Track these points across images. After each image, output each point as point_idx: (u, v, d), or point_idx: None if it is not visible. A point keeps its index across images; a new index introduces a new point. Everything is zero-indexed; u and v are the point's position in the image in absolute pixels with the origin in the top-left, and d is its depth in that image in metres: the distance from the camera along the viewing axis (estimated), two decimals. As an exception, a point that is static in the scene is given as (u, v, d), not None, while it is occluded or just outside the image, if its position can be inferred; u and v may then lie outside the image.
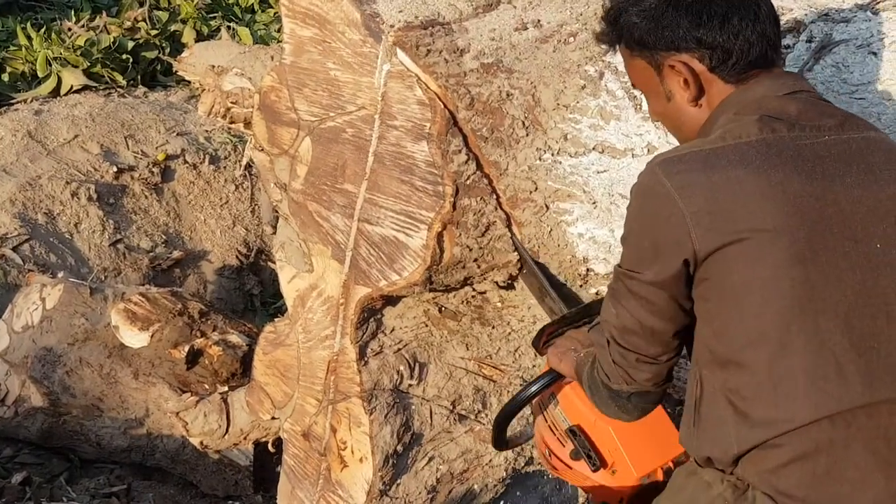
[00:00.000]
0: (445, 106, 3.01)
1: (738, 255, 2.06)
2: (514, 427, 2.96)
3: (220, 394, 3.98)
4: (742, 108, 2.21)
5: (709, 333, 2.14)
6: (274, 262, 4.00)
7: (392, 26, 3.13)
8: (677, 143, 2.43)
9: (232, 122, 3.85)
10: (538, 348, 2.82)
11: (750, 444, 2.08)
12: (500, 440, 2.94)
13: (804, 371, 2.04)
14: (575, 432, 2.67)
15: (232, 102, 3.74)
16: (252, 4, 7.91)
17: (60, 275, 4.93)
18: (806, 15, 2.90)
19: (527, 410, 2.93)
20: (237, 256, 5.89)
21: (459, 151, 2.98)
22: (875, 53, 2.72)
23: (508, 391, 3.42)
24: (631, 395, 2.32)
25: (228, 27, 7.34)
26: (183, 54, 4.04)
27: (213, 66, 3.79)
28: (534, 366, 3.40)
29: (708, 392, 2.15)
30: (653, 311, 2.18)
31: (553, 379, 2.72)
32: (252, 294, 5.83)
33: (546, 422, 2.81)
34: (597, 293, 3.06)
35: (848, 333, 2.05)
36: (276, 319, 3.73)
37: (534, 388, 2.75)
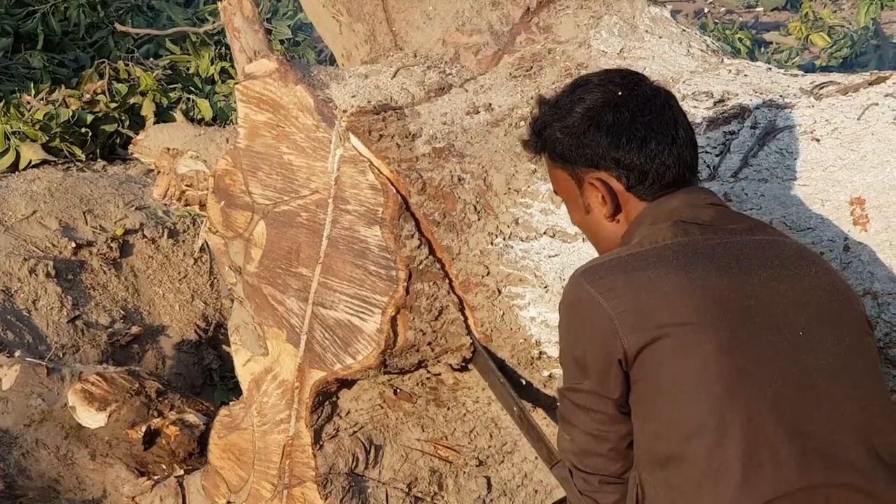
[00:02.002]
0: (398, 191, 3.04)
1: (665, 351, 2.12)
2: None
3: (176, 477, 3.95)
4: (657, 218, 2.30)
5: (647, 434, 2.18)
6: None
7: (345, 111, 3.16)
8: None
9: (187, 205, 3.86)
10: None
11: None
12: None
13: (740, 458, 2.08)
14: None
15: (187, 185, 3.74)
16: (212, 75, 7.94)
17: (17, 353, 4.90)
18: (751, 100, 2.95)
19: None
20: (196, 331, 5.86)
21: (412, 236, 3.01)
22: (818, 140, 2.76)
23: (464, 472, 3.42)
24: None
25: (188, 99, 7.35)
26: (138, 136, 4.04)
27: (168, 149, 3.80)
28: (489, 446, 3.40)
29: (650, 494, 2.18)
30: (603, 421, 2.23)
31: None
32: (211, 368, 5.80)
33: None
34: (549, 375, 3.08)
35: (780, 418, 2.10)
36: (231, 403, 3.72)
37: None
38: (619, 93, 2.33)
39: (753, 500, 2.07)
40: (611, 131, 2.31)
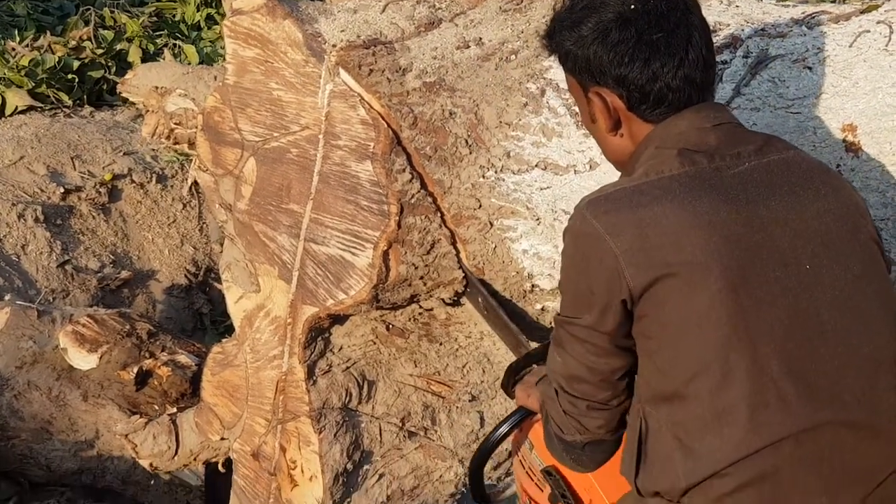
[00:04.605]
0: (389, 125, 3.02)
1: (672, 290, 2.08)
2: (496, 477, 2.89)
3: (169, 415, 3.96)
4: (663, 142, 2.24)
5: (651, 369, 2.16)
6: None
7: (334, 46, 3.14)
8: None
9: (176, 143, 3.85)
10: (507, 390, 2.79)
11: (697, 477, 2.09)
12: (478, 489, 2.86)
13: (745, 399, 2.06)
14: (550, 473, 2.63)
15: (176, 123, 3.74)
16: (198, 22, 7.90)
17: (7, 297, 4.90)
18: (742, 30, 2.94)
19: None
20: (186, 275, 5.87)
21: (403, 170, 3.00)
22: (810, 68, 2.75)
23: (457, 407, 3.43)
24: (585, 445, 2.34)
25: (174, 45, 7.32)
26: (126, 76, 4.03)
27: (157, 88, 3.78)
28: (482, 381, 3.41)
29: (653, 428, 2.17)
30: (598, 354, 2.20)
31: (523, 416, 2.69)
32: (201, 313, 5.81)
33: (523, 468, 2.78)
34: (542, 308, 3.09)
35: (785, 358, 2.08)
36: (223, 340, 3.72)
37: (503, 429, 2.71)
38: (633, 6, 2.25)
39: (759, 440, 2.07)
40: (615, 49, 2.25)
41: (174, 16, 7.89)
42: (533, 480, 2.73)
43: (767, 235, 2.13)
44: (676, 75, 2.24)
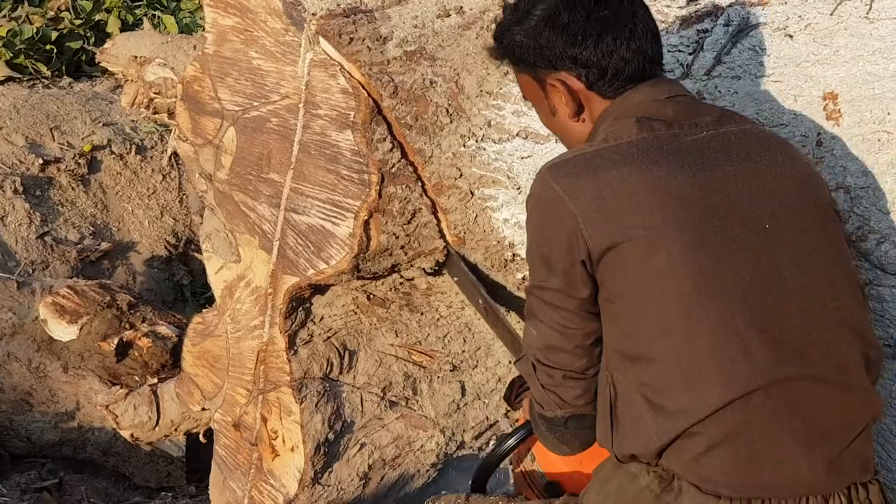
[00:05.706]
0: (369, 94, 3.01)
1: (631, 252, 2.12)
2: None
3: (150, 386, 3.96)
4: (621, 114, 2.30)
5: (616, 334, 2.19)
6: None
7: (314, 14, 3.12)
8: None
9: (155, 113, 3.84)
10: (510, 402, 2.80)
11: (669, 436, 2.11)
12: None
13: (710, 355, 2.09)
14: (553, 486, 2.65)
15: (155, 93, 3.72)
16: (177, -8, 7.86)
17: (-14, 269, 4.89)
18: (723, -2, 2.94)
19: None
20: (166, 247, 5.86)
21: (384, 140, 2.99)
22: (791, 36, 2.75)
23: (438, 377, 3.44)
24: (567, 420, 2.36)
25: (153, 15, 7.28)
26: (105, 45, 4.01)
27: (136, 57, 3.77)
28: (463, 351, 3.41)
29: (622, 392, 2.19)
30: (569, 319, 2.23)
31: (529, 432, 2.68)
32: (182, 284, 5.80)
33: (525, 480, 2.79)
34: (523, 278, 3.09)
35: (748, 312, 2.10)
36: (204, 310, 3.72)
37: (510, 443, 2.71)
38: None
39: (728, 394, 2.08)
40: (566, 29, 2.31)
41: (153, -14, 7.85)
42: (534, 492, 2.74)
43: (724, 197, 2.17)
44: (630, 47, 2.31)
